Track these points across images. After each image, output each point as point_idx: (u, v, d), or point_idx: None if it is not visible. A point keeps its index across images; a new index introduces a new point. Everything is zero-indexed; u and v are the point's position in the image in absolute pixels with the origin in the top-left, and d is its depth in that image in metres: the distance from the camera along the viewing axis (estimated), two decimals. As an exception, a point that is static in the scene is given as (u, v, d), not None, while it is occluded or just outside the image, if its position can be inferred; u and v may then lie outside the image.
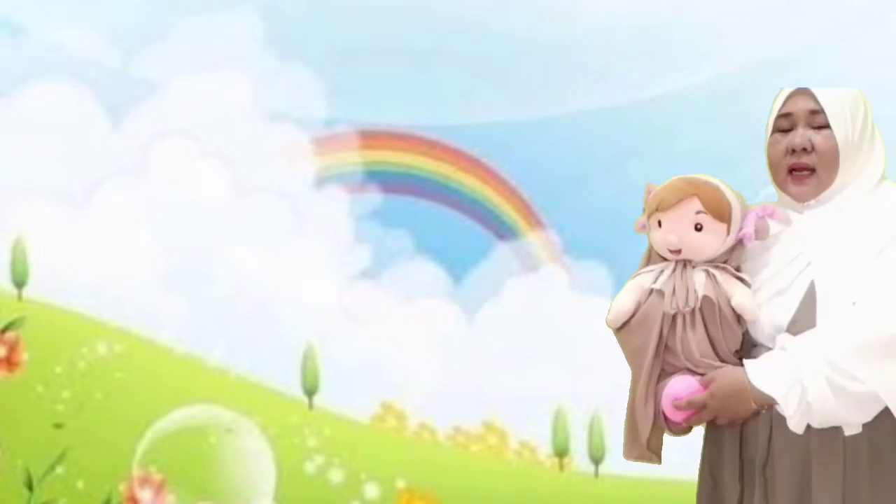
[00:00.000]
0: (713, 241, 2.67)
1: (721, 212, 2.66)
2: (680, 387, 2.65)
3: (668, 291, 2.65)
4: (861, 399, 2.56)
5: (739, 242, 2.69)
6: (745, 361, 2.63)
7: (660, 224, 2.69)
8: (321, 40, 5.00)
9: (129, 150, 5.05)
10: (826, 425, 2.58)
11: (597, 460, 4.94)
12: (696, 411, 2.65)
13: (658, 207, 2.68)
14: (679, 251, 2.67)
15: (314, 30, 5.00)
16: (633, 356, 2.70)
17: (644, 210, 2.75)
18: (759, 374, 2.60)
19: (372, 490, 4.98)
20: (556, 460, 4.98)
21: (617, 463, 4.84)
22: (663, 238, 2.68)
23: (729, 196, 2.68)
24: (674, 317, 2.64)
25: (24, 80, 5.02)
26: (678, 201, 2.66)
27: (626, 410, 2.75)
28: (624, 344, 2.72)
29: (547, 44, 4.99)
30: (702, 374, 2.65)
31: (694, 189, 2.66)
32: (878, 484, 2.61)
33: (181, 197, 5.04)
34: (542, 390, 4.90)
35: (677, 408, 2.65)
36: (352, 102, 5.03)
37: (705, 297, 2.63)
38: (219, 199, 5.05)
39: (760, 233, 2.68)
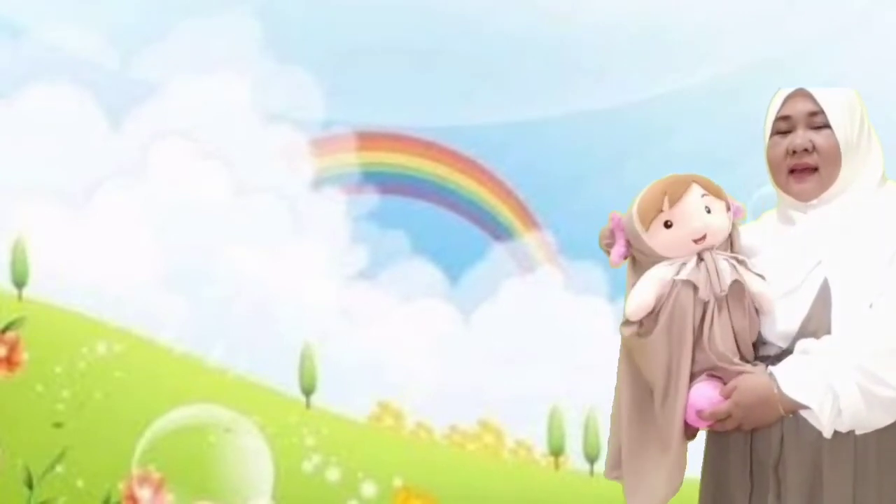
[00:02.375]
0: (723, 219, 2.68)
1: (718, 191, 2.69)
2: (700, 398, 2.63)
3: (701, 280, 2.63)
4: (889, 404, 2.56)
5: (734, 225, 2.72)
6: (772, 368, 2.61)
7: (667, 225, 2.67)
8: (319, 42, 5.00)
9: (129, 150, 5.06)
10: (851, 429, 2.58)
11: (592, 459, 4.95)
12: (719, 420, 2.64)
13: (665, 207, 2.66)
14: (704, 237, 2.66)
15: (312, 32, 5.01)
16: (660, 365, 2.65)
17: (609, 244, 2.73)
18: (791, 381, 2.59)
19: (369, 489, 4.99)
20: (551, 459, 4.99)
21: (612, 462, 4.86)
22: (686, 231, 2.66)
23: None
24: (703, 308, 2.62)
25: (25, 81, 5.04)
26: (685, 191, 2.66)
27: (618, 427, 2.73)
28: (652, 351, 2.67)
29: (544, 45, 5.00)
30: (719, 378, 2.64)
31: (689, 179, 2.68)
32: (885, 481, 2.61)
33: (180, 197, 5.05)
34: (537, 390, 4.90)
35: (701, 419, 2.64)
36: (349, 104, 5.04)
37: (736, 282, 2.63)
38: (217, 199, 5.05)
39: (740, 211, 2.73)
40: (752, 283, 2.65)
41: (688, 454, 2.70)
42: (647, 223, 2.68)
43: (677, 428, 2.66)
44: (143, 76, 5.06)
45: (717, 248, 2.68)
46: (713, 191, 2.67)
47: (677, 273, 2.65)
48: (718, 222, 2.67)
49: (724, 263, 2.65)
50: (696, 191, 2.66)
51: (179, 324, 5.04)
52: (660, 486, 2.68)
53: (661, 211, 2.66)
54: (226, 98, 5.06)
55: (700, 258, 2.66)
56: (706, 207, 2.66)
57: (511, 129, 5.03)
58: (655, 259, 2.71)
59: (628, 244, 2.72)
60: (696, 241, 2.67)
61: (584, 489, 4.96)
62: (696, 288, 2.63)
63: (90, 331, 5.01)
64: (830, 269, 2.63)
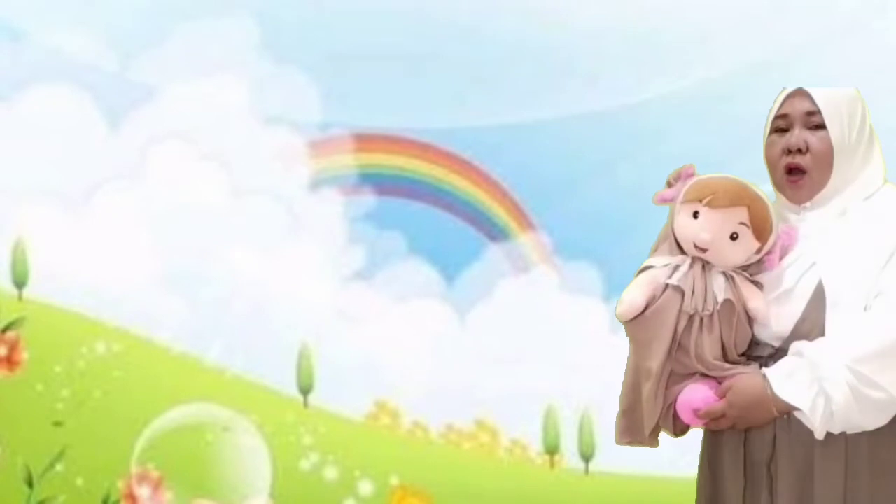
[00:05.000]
0: (741, 254, 2.65)
1: (763, 231, 2.64)
2: (696, 397, 2.66)
3: (687, 290, 2.63)
4: (882, 406, 2.58)
5: (759, 261, 2.69)
6: (765, 370, 2.63)
7: (695, 215, 2.65)
8: (316, 45, 5.00)
9: (128, 152, 5.06)
10: (843, 430, 2.60)
11: (587, 458, 4.94)
12: (714, 419, 2.66)
13: (705, 202, 2.63)
14: (705, 251, 2.64)
15: (309, 35, 5.01)
16: (641, 349, 2.67)
17: (669, 183, 2.71)
18: (783, 383, 2.60)
19: (366, 487, 5.00)
20: (546, 458, 4.99)
21: (607, 460, 4.87)
22: (695, 232, 2.64)
23: (773, 216, 2.65)
24: (690, 317, 2.63)
25: (24, 84, 5.04)
26: (729, 205, 2.62)
27: (623, 398, 2.74)
28: (634, 334, 2.69)
29: (537, 48, 4.99)
30: (714, 378, 2.66)
31: (748, 199, 2.62)
32: (876, 481, 2.63)
33: (179, 199, 5.05)
34: (533, 389, 4.89)
35: (697, 417, 2.67)
36: (346, 106, 5.03)
37: (727, 301, 2.63)
38: (215, 201, 5.05)
39: (783, 258, 2.69)
40: (750, 298, 2.65)
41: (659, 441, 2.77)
42: (687, 198, 2.65)
43: (649, 418, 2.70)
44: (141, 79, 5.06)
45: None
46: (758, 228, 2.63)
47: (670, 276, 2.66)
48: (731, 252, 2.64)
49: (719, 279, 2.65)
50: (739, 214, 2.62)
51: (177, 324, 5.04)
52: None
53: (700, 201, 2.63)
54: (224, 100, 5.06)
55: (692, 265, 2.66)
56: (734, 233, 2.63)
57: (506, 131, 5.02)
58: (669, 231, 2.71)
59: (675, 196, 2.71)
60: (696, 247, 2.66)
61: (579, 488, 4.96)
62: (684, 295, 2.64)
63: (89, 331, 5.01)
64: (825, 270, 2.65)
